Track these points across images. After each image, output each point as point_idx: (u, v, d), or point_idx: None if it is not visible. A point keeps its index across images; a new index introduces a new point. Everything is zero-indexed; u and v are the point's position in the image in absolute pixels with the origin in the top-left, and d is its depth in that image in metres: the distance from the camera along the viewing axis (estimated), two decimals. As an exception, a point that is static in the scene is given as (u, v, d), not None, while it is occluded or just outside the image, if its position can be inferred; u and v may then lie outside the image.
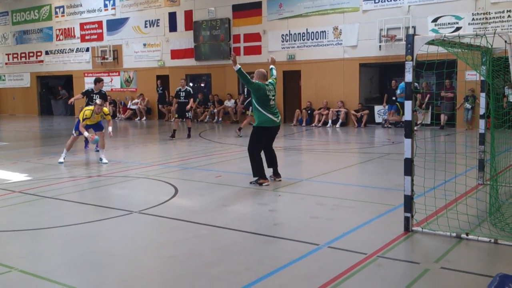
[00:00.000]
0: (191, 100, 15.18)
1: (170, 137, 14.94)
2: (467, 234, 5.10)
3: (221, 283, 4.17)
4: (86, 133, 10.52)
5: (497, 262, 4.65)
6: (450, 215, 5.44)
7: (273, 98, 8.07)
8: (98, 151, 11.97)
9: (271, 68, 8.62)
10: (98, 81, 12.69)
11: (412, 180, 5.32)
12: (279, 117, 8.18)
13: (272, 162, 8.32)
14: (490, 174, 6.06)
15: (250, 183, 8.00)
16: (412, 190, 5.34)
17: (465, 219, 5.36)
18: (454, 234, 5.14)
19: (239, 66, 7.81)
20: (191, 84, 23.08)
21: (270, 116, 7.97)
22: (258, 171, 7.98)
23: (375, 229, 5.59)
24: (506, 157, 7.32)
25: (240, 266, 4.52)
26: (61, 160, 10.59)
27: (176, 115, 14.94)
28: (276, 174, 8.32)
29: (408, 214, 5.35)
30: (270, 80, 8.27)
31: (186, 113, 14.86)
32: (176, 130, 15.23)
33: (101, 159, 10.58)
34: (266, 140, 8.20)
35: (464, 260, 4.65)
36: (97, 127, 10.90)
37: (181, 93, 14.85)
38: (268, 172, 8.33)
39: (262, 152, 8.24)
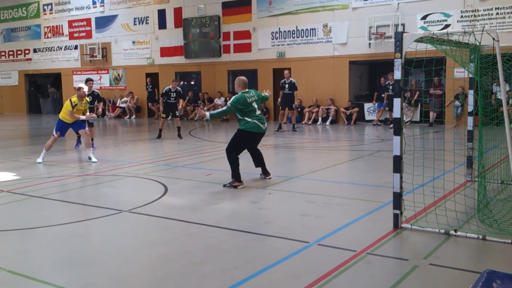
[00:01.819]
0: (181, 100, 15.04)
1: (157, 138, 14.65)
2: (455, 231, 5.13)
3: (210, 281, 4.16)
4: (82, 116, 10.56)
5: (485, 258, 4.69)
6: (438, 211, 5.48)
7: (257, 106, 7.87)
8: (93, 148, 11.98)
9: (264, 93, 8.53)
10: (87, 81, 12.70)
11: (401, 177, 5.35)
12: (265, 125, 8.03)
13: (259, 161, 8.25)
14: (478, 171, 6.11)
15: (224, 186, 7.78)
16: (401, 187, 5.36)
17: (453, 216, 5.39)
18: (442, 231, 5.17)
19: (209, 113, 7.79)
20: (181, 83, 23.00)
21: (257, 122, 7.82)
22: (235, 174, 7.79)
23: (364, 226, 5.62)
24: (494, 154, 7.38)
25: (230, 264, 4.52)
26: (40, 160, 10.44)
27: (163, 115, 14.77)
28: (265, 173, 8.29)
29: (397, 211, 5.38)
30: (253, 90, 8.09)
31: (176, 112, 14.72)
32: (162, 130, 15.03)
33: (90, 158, 10.51)
34: (249, 145, 8.07)
35: (452, 256, 4.68)
36: (78, 126, 10.81)
37: (172, 93, 14.58)
38: (257, 171, 8.33)
39: (248, 153, 8.16)
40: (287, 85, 15.96)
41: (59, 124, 10.66)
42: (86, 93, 10.90)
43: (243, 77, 8.14)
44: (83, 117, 10.63)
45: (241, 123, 7.84)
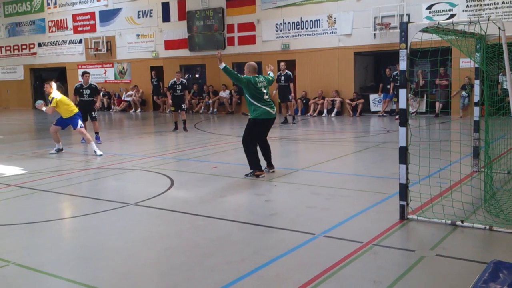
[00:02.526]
0: (186, 92, 15.07)
1: (173, 130, 14.71)
2: (462, 222, 5.12)
3: (217, 273, 4.18)
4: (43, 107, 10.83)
5: (491, 249, 4.69)
6: (445, 202, 5.47)
7: (266, 91, 7.97)
8: (99, 142, 12.17)
9: (269, 73, 8.56)
10: (83, 74, 12.93)
11: (407, 169, 5.34)
12: (275, 109, 8.11)
13: (267, 154, 8.29)
14: (485, 161, 6.08)
15: (246, 175, 7.94)
16: (407, 178, 5.35)
17: (460, 207, 5.38)
18: (449, 222, 5.16)
19: (224, 64, 7.70)
20: (185, 76, 22.99)
21: (266, 108, 7.89)
22: (254, 163, 7.94)
23: (370, 218, 5.62)
24: (500, 144, 7.34)
25: (236, 257, 4.53)
26: (53, 151, 10.79)
27: (173, 108, 14.77)
28: (270, 166, 8.31)
29: (403, 202, 5.37)
30: (262, 76, 8.15)
31: (182, 105, 14.72)
32: (177, 122, 14.97)
33: (95, 152, 10.55)
34: (262, 132, 8.16)
35: (459, 247, 4.68)
36: (73, 124, 10.90)
37: (177, 86, 14.55)
38: (263, 163, 8.33)
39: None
40: (282, 77, 15.83)
41: (59, 120, 11.03)
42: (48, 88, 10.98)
43: (253, 63, 8.23)
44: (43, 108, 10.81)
45: (252, 110, 7.89)
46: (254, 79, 7.85)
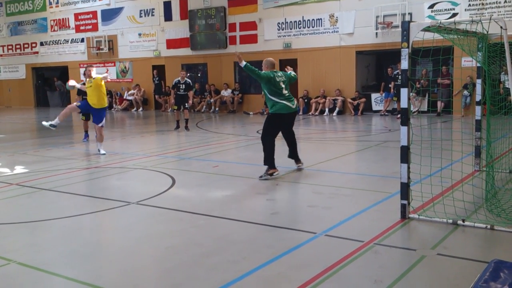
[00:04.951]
0: (191, 92, 14.94)
1: (175, 129, 14.68)
2: (463, 221, 5.12)
3: (219, 272, 4.18)
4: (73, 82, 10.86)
5: (493, 248, 4.69)
6: (446, 201, 5.47)
7: (285, 86, 7.87)
8: (85, 140, 12.22)
9: (290, 72, 8.40)
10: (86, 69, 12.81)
11: (409, 168, 5.34)
12: (295, 103, 8.00)
13: (293, 149, 8.24)
14: (486, 161, 6.08)
15: (260, 178, 7.66)
16: (409, 178, 5.35)
17: (461, 206, 5.38)
18: (450, 221, 5.16)
19: (245, 62, 7.62)
20: (187, 75, 22.98)
21: (285, 102, 7.79)
22: (268, 160, 7.77)
23: (371, 217, 5.62)
24: (502, 143, 7.34)
25: (237, 255, 4.54)
26: (50, 123, 10.39)
27: (175, 107, 14.75)
28: (297, 161, 8.24)
29: (405, 201, 5.38)
30: (280, 72, 8.08)
31: (185, 104, 14.64)
32: (179, 121, 14.94)
33: (99, 150, 10.56)
34: (283, 127, 8.07)
35: (460, 246, 4.68)
36: (97, 119, 10.60)
37: (181, 85, 14.49)
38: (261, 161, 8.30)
39: (282, 140, 8.06)
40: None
41: (84, 103, 10.68)
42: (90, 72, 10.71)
43: (271, 58, 8.23)
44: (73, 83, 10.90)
45: (270, 105, 7.86)
46: (274, 74, 7.81)
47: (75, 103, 10.90)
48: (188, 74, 22.77)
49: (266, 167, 7.75)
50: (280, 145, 11.60)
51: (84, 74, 10.83)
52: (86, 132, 12.89)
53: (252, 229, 5.38)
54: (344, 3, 18.65)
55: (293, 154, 8.30)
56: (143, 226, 5.65)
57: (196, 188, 7.44)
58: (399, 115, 16.74)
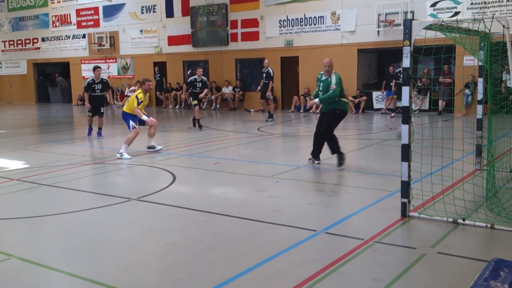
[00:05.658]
0: (205, 90, 14.54)
1: (199, 128, 13.94)
2: (463, 219, 5.12)
3: (219, 269, 4.19)
4: (145, 117, 9.86)
5: (493, 247, 4.68)
6: (447, 200, 5.47)
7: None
8: (101, 137, 12.19)
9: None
10: (95, 68, 12.74)
11: (409, 166, 5.34)
12: None
13: (337, 146, 8.43)
14: (487, 160, 6.08)
15: (340, 165, 8.07)
16: (409, 176, 5.35)
17: (461, 205, 5.38)
18: (450, 219, 5.16)
19: (317, 99, 8.33)
20: (188, 71, 22.98)
21: (347, 100, 8.60)
22: (337, 148, 8.25)
23: (372, 215, 5.62)
24: (503, 143, 7.33)
25: (237, 252, 4.54)
26: (127, 157, 9.49)
27: (196, 102, 14.08)
28: (339, 156, 8.32)
29: (405, 200, 5.38)
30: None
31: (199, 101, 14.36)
32: (199, 119, 14.32)
33: (154, 147, 10.22)
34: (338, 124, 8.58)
35: (460, 245, 4.68)
36: (140, 121, 10.08)
37: (198, 83, 14.02)
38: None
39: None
40: (264, 75, 15.67)
41: (130, 116, 9.95)
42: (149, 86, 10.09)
43: (328, 59, 8.66)
44: (145, 118, 9.85)
45: (339, 104, 8.28)
46: (339, 75, 8.35)
47: (136, 126, 9.91)
48: (189, 71, 22.82)
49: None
50: (283, 143, 11.61)
51: (136, 84, 10.40)
52: (90, 127, 12.90)
53: (252, 226, 5.38)
54: (346, 1, 18.60)
55: (337, 149, 8.37)
56: (144, 223, 5.65)
57: (196, 184, 7.44)
58: (393, 114, 16.76)
